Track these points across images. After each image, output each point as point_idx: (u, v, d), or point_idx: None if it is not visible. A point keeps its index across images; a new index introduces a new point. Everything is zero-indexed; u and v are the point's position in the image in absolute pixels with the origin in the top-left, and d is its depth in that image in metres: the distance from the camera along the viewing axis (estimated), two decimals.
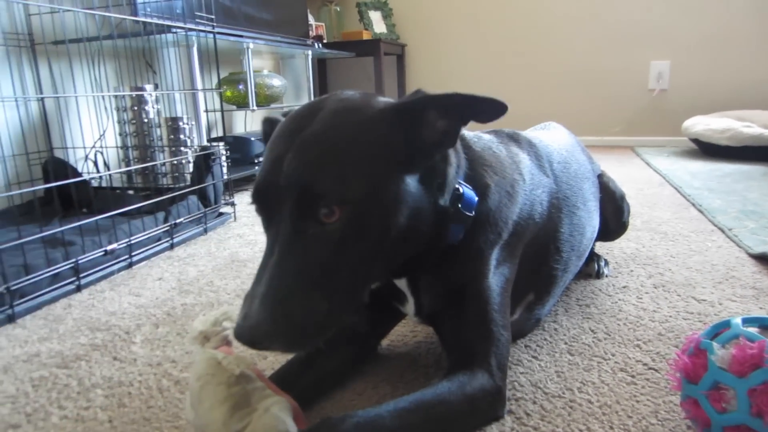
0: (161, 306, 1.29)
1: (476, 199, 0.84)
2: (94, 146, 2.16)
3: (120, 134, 2.33)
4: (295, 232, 0.66)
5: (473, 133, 1.01)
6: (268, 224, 0.70)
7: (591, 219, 1.19)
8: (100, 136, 2.20)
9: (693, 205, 2.13)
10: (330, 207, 0.66)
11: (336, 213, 0.66)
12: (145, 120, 2.30)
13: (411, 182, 0.74)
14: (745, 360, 0.67)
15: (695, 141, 3.47)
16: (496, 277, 0.88)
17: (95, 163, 2.22)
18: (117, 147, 2.34)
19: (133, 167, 2.30)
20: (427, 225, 0.78)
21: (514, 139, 1.08)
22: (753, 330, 0.72)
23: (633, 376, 0.93)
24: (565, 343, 1.05)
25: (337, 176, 0.67)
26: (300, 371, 0.88)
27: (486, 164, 0.92)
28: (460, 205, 0.82)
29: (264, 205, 0.71)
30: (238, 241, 1.83)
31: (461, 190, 0.83)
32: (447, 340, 0.89)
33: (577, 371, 0.95)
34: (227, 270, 1.54)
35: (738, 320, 0.73)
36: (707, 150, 3.38)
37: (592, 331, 1.10)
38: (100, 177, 2.20)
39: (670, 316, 1.15)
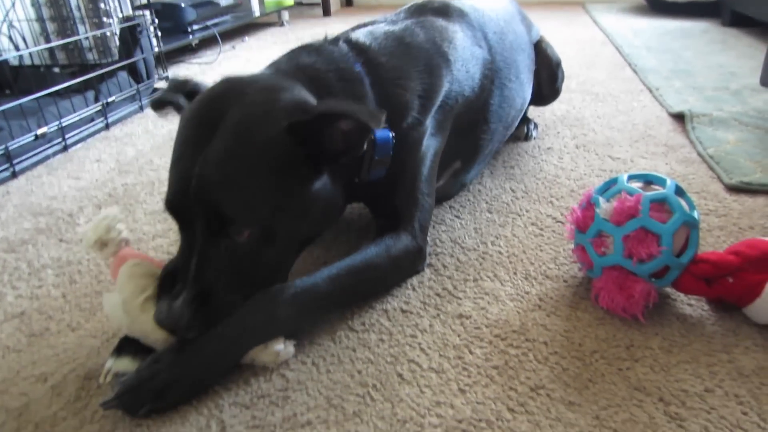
0: (101, 188, 1.31)
1: (391, 135, 0.85)
2: (5, 19, 2.01)
3: (32, 5, 2.15)
4: (209, 243, 0.70)
5: (382, 27, 0.98)
6: (184, 231, 0.73)
7: (522, 91, 1.23)
8: (11, 6, 2.03)
9: (629, 65, 2.18)
10: (239, 229, 0.70)
11: (245, 233, 0.70)
12: None
13: (319, 184, 0.76)
14: (623, 211, 0.77)
15: None
16: (427, 150, 0.94)
17: (10, 39, 2.08)
18: (29, 20, 2.17)
19: (55, 43, 2.16)
20: (341, 202, 0.83)
21: (443, 12, 1.08)
22: (637, 185, 0.81)
23: (542, 229, 1.03)
24: (486, 203, 1.14)
25: (242, 202, 0.69)
26: None
27: (400, 76, 0.92)
28: (375, 156, 0.84)
29: (177, 216, 0.73)
30: (176, 118, 1.81)
31: (372, 137, 0.83)
32: (376, 208, 0.97)
33: (493, 227, 1.05)
34: (166, 148, 1.55)
35: (624, 176, 0.82)
36: (655, 5, 3.36)
37: (512, 190, 1.19)
38: (19, 51, 2.07)
39: (585, 174, 1.25)
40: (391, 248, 0.86)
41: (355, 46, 0.92)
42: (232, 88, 0.75)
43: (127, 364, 0.71)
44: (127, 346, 0.73)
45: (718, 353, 0.73)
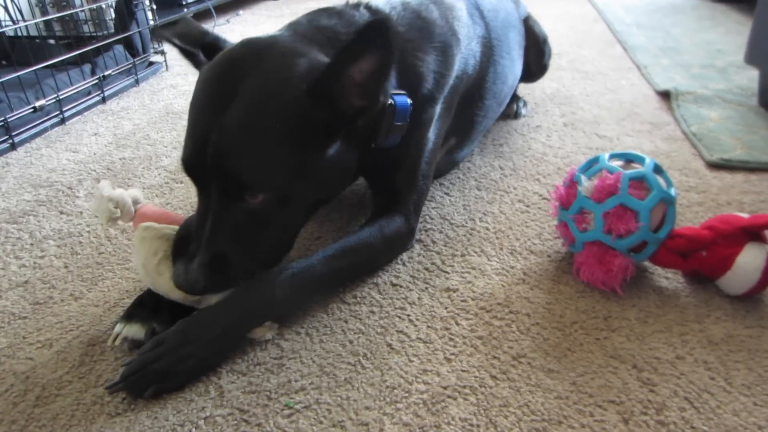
0: (100, 161, 1.34)
1: (409, 102, 0.85)
2: None
3: None
4: (225, 206, 0.72)
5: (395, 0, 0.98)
6: (200, 191, 0.75)
7: (513, 68, 1.25)
8: None
9: (619, 42, 2.20)
10: (254, 194, 0.72)
11: (260, 197, 0.72)
12: None
13: (334, 149, 0.77)
14: (603, 189, 0.80)
15: None
16: (432, 134, 0.96)
17: (6, 9, 2.07)
18: None
19: (53, 16, 2.15)
20: (355, 166, 0.83)
21: None
22: (618, 164, 0.85)
23: (528, 206, 1.07)
24: (475, 180, 1.18)
25: (259, 168, 0.71)
26: None
27: (417, 47, 0.92)
28: (395, 121, 0.84)
29: (194, 177, 0.75)
30: (171, 92, 1.82)
31: (393, 102, 0.84)
32: (376, 185, 0.99)
33: (482, 204, 1.09)
34: (163, 123, 1.56)
35: (605, 155, 0.85)
36: None
37: (501, 168, 1.22)
38: (16, 24, 2.06)
39: (572, 152, 1.28)
40: (385, 228, 0.89)
41: (376, 13, 0.92)
42: (251, 52, 0.75)
43: (136, 330, 0.75)
44: (138, 312, 0.77)
45: (691, 323, 0.77)
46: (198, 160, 0.71)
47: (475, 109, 1.12)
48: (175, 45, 0.83)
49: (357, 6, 0.93)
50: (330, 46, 0.82)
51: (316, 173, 0.76)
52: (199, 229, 0.73)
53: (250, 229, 0.74)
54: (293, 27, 0.86)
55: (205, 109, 0.73)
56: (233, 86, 0.71)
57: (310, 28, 0.84)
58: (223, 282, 0.74)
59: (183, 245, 0.75)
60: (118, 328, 0.75)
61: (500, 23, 1.17)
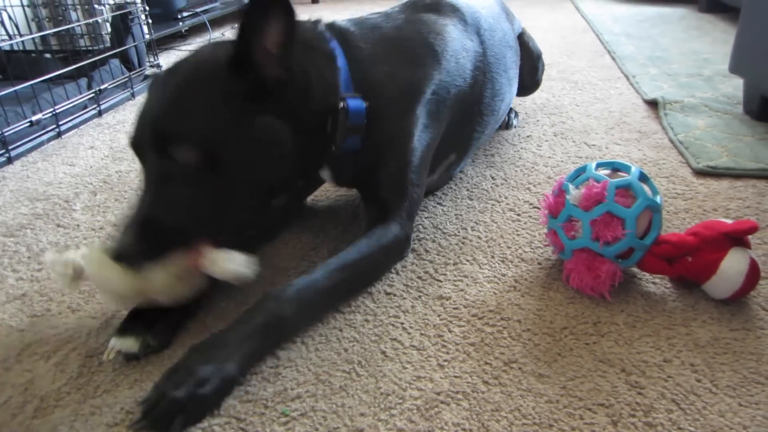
0: (96, 174, 1.35)
1: (364, 105, 0.90)
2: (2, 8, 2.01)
3: None
4: (161, 171, 0.76)
5: (372, 19, 1.02)
6: (144, 168, 0.80)
7: (509, 86, 1.27)
8: None
9: (608, 52, 2.23)
10: (180, 146, 0.75)
11: (191, 155, 0.75)
12: None
13: (262, 121, 0.80)
14: (591, 197, 0.82)
15: None
16: (419, 142, 0.97)
17: (2, 24, 2.09)
18: (23, 6, 2.18)
19: (49, 31, 2.16)
20: (293, 155, 0.85)
21: (434, 8, 1.11)
22: (604, 172, 0.87)
23: (519, 215, 1.09)
24: (467, 190, 1.20)
25: (180, 120, 0.76)
26: None
27: (377, 60, 0.95)
28: (348, 122, 0.88)
29: (137, 152, 0.80)
30: None
31: (344, 105, 0.88)
32: (368, 197, 1.01)
33: (474, 213, 1.10)
34: None
35: (593, 164, 0.87)
36: None
37: (492, 177, 1.24)
38: (12, 40, 2.08)
39: (562, 161, 1.31)
40: (382, 238, 0.90)
41: (334, 29, 0.96)
42: (192, 53, 0.86)
43: (131, 344, 0.76)
44: (132, 325, 0.78)
45: (678, 327, 0.79)
46: (138, 133, 0.79)
47: (475, 125, 1.14)
48: None
49: (316, 22, 0.96)
50: None
51: (243, 138, 0.79)
52: (137, 199, 0.77)
53: (182, 192, 0.76)
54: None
55: (151, 92, 0.82)
56: (173, 77, 0.81)
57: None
58: (156, 245, 0.75)
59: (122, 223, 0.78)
60: (112, 342, 0.77)
61: (497, 42, 1.20)
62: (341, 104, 0.88)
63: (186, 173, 0.76)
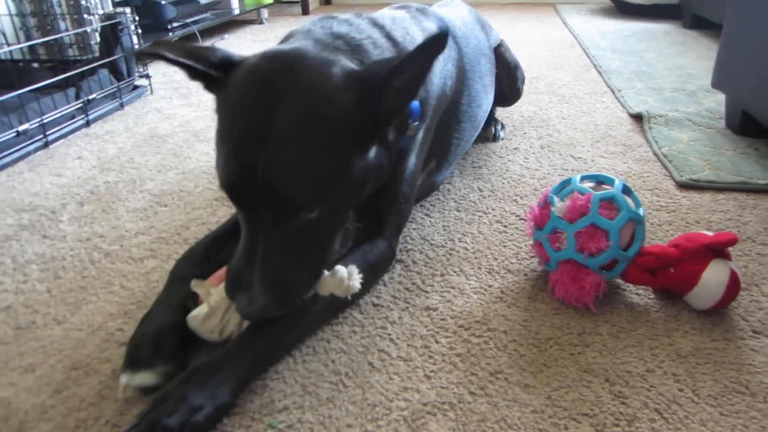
0: (83, 185, 1.34)
1: (418, 104, 0.89)
2: None
3: (13, 0, 2.15)
4: (277, 226, 0.70)
5: (389, 15, 1.02)
6: (247, 215, 0.71)
7: (486, 92, 1.30)
8: None
9: (594, 66, 2.27)
10: (311, 211, 0.70)
11: (315, 211, 0.71)
12: None
13: (373, 153, 0.76)
14: (575, 209, 0.83)
15: None
16: (415, 158, 0.98)
17: None
18: (11, 15, 2.17)
19: (38, 41, 2.16)
20: (388, 169, 0.83)
21: (424, 13, 1.13)
22: (589, 185, 0.88)
23: (506, 227, 1.10)
24: (455, 201, 1.21)
25: (314, 185, 0.69)
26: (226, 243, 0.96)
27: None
28: (409, 120, 0.87)
29: (240, 201, 0.71)
30: (156, 116, 1.84)
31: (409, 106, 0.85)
32: (359, 210, 1.00)
33: (461, 224, 1.11)
34: (147, 146, 1.58)
35: (577, 177, 0.89)
36: (622, 8, 3.47)
37: (480, 189, 1.26)
38: (1, 51, 2.08)
39: (548, 173, 1.32)
40: (368, 255, 0.90)
41: (374, 23, 0.94)
42: (281, 68, 0.71)
43: (145, 377, 0.72)
44: (139, 356, 0.74)
45: (660, 337, 0.80)
46: (245, 184, 0.68)
47: (453, 132, 1.16)
48: (184, 65, 0.74)
49: (358, 16, 0.94)
50: (351, 51, 0.82)
51: (360, 177, 0.74)
52: (249, 254, 0.70)
53: (304, 243, 0.72)
54: (309, 35, 0.84)
55: (246, 130, 0.68)
56: (271, 106, 0.68)
57: (327, 36, 0.83)
58: (287, 299, 0.72)
59: (236, 280, 0.72)
60: (123, 379, 0.71)
61: (472, 49, 1.22)
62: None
63: (308, 229, 0.72)
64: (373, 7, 1.21)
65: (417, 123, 0.90)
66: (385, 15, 1.01)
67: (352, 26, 0.88)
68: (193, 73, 0.75)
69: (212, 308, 0.77)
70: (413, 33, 1.01)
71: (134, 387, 0.71)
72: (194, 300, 0.81)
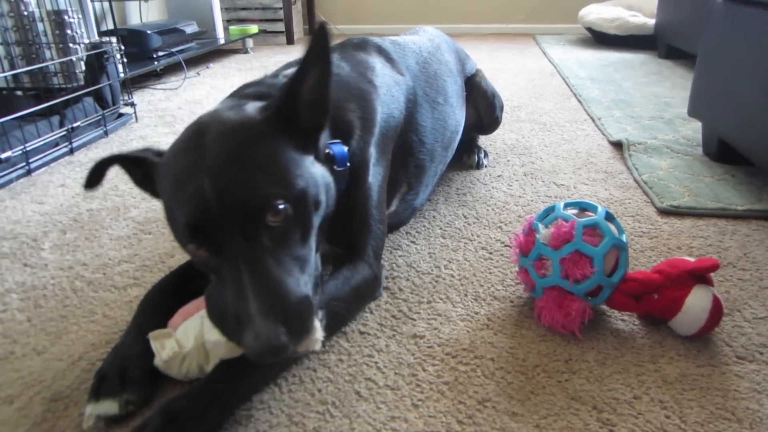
0: (66, 213, 1.33)
1: (345, 150, 0.90)
2: None
3: None
4: (252, 245, 0.67)
5: None
6: (219, 252, 0.69)
7: (454, 113, 1.33)
8: None
9: (574, 95, 2.32)
10: (275, 209, 0.68)
11: (281, 212, 0.68)
12: (25, 13, 2.13)
13: (310, 162, 0.77)
14: (560, 236, 0.84)
15: (589, 29, 3.64)
16: (374, 178, 1.00)
17: None
18: None
19: (24, 69, 2.15)
20: (334, 193, 0.83)
21: (361, 47, 1.17)
22: (572, 212, 0.89)
23: (491, 254, 1.11)
24: (440, 228, 1.21)
25: (265, 181, 0.69)
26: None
27: (339, 98, 0.96)
28: (335, 167, 0.88)
29: (208, 239, 0.68)
30: (141, 143, 1.84)
31: (330, 152, 0.88)
32: (332, 237, 1.01)
33: (447, 251, 1.12)
34: None
35: (561, 204, 0.90)
36: (599, 38, 3.57)
37: (465, 216, 1.27)
38: None
39: (532, 200, 1.34)
40: (351, 280, 0.90)
41: (285, 75, 0.99)
42: (203, 119, 0.76)
43: (109, 406, 0.71)
44: (105, 386, 0.73)
45: (646, 363, 0.81)
46: (204, 216, 0.67)
47: (418, 154, 1.17)
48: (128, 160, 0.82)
49: (275, 75, 1.00)
50: (260, 98, 0.87)
51: (311, 178, 0.75)
52: (238, 288, 0.66)
53: (285, 253, 0.69)
54: (225, 101, 0.91)
55: (186, 172, 0.70)
56: (199, 147, 0.71)
57: (239, 96, 0.92)
58: (297, 325, 0.65)
59: (227, 319, 0.68)
60: (89, 409, 0.71)
61: (432, 73, 1.26)
62: (327, 151, 0.87)
63: (281, 236, 0.69)
64: (359, 35, 1.24)
65: (346, 169, 0.90)
66: None
67: (262, 85, 0.95)
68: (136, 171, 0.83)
69: (175, 353, 0.76)
70: (341, 72, 1.04)
71: (96, 417, 0.71)
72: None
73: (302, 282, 0.70)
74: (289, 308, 0.65)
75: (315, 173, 0.77)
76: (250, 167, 0.69)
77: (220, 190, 0.67)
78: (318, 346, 0.69)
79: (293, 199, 0.70)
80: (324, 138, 0.85)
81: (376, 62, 1.12)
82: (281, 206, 0.68)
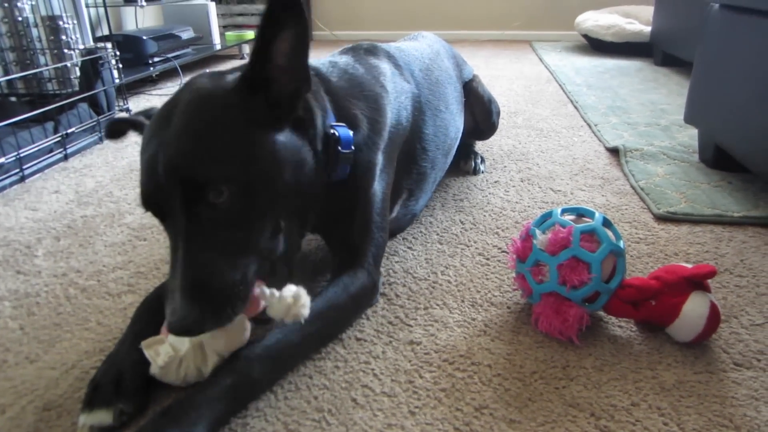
0: (60, 219, 1.32)
1: (351, 134, 0.91)
2: None
3: None
4: (192, 221, 0.68)
5: (326, 60, 1.06)
6: (166, 222, 0.72)
7: (454, 120, 1.33)
8: None
9: (571, 101, 2.33)
10: (218, 189, 0.68)
11: (224, 192, 0.69)
12: (20, 18, 2.13)
13: (284, 138, 0.77)
14: (557, 242, 0.84)
15: (585, 36, 3.66)
16: (379, 185, 0.99)
17: None
18: None
19: (18, 75, 2.15)
20: (313, 174, 0.83)
21: (372, 52, 1.17)
22: (569, 218, 0.89)
23: (488, 259, 1.11)
24: (437, 234, 1.21)
25: (212, 159, 0.69)
26: None
27: (349, 94, 0.98)
28: (340, 147, 0.88)
29: (156, 207, 0.71)
30: (136, 149, 1.83)
31: (336, 133, 0.89)
32: (334, 244, 1.01)
33: (443, 257, 1.12)
34: (126, 180, 1.56)
35: (558, 210, 0.90)
36: (595, 45, 3.58)
37: (461, 222, 1.26)
38: None
39: (529, 206, 1.34)
40: (350, 287, 0.90)
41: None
42: (191, 80, 0.79)
43: (103, 416, 0.70)
44: (98, 396, 0.72)
45: (644, 370, 0.80)
46: (154, 186, 0.70)
47: (420, 161, 1.17)
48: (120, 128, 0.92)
49: None
50: None
51: (270, 160, 0.74)
52: (173, 262, 0.68)
53: (223, 236, 0.70)
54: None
55: (150, 141, 0.73)
56: (170, 115, 0.73)
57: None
58: (214, 309, 0.67)
59: (164, 293, 0.71)
60: (82, 419, 0.70)
61: (434, 80, 1.26)
62: (332, 131, 0.88)
63: (224, 215, 0.69)
64: (351, 42, 1.24)
65: (352, 152, 0.90)
66: (321, 61, 1.04)
67: None
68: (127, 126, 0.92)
69: (171, 357, 0.75)
70: (356, 72, 1.04)
71: (90, 427, 0.69)
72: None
73: (239, 265, 0.70)
74: (210, 290, 0.67)
75: (280, 150, 0.76)
76: (203, 143, 0.70)
77: (168, 163, 0.68)
78: (303, 317, 0.75)
79: (241, 179, 0.70)
80: (321, 119, 0.86)
81: (387, 68, 1.12)
82: (223, 186, 0.69)
